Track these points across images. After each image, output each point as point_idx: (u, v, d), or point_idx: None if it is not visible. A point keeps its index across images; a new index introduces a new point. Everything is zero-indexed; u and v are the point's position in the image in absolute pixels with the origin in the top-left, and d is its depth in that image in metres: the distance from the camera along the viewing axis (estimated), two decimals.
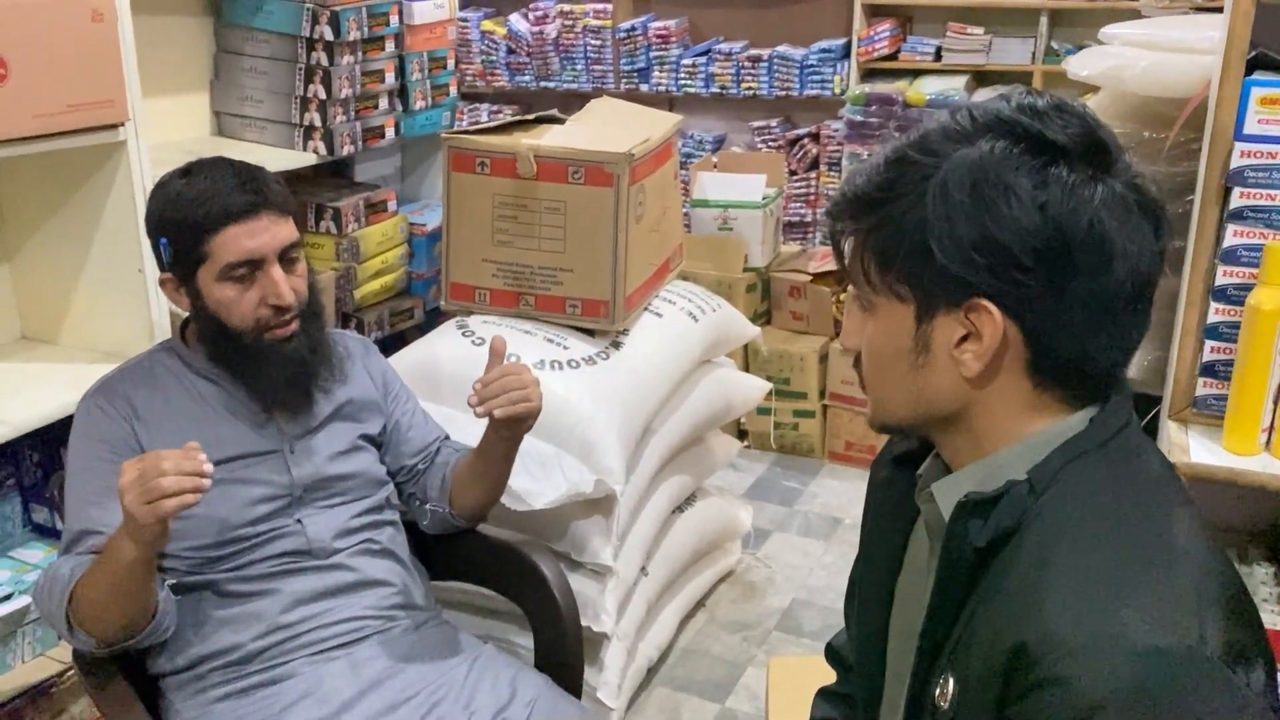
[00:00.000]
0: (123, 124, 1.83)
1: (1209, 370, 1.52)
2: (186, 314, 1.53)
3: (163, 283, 1.50)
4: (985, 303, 0.80)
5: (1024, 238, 0.77)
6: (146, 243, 1.88)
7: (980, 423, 0.85)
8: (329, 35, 2.38)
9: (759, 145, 4.50)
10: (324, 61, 2.41)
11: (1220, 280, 1.48)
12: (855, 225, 0.86)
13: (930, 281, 0.81)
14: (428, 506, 1.68)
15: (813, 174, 4.44)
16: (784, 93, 4.39)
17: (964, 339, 0.82)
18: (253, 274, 1.44)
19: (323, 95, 2.43)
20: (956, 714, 0.81)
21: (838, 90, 4.28)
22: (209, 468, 1.24)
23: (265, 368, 1.47)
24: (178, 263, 1.46)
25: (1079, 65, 1.92)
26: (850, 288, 0.90)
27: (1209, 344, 1.51)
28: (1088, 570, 0.75)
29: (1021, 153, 0.79)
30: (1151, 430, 1.72)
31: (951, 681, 0.82)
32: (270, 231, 1.44)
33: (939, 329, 0.83)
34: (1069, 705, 0.71)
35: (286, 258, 1.47)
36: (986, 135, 0.80)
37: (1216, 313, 1.50)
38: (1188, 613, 0.73)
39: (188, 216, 1.42)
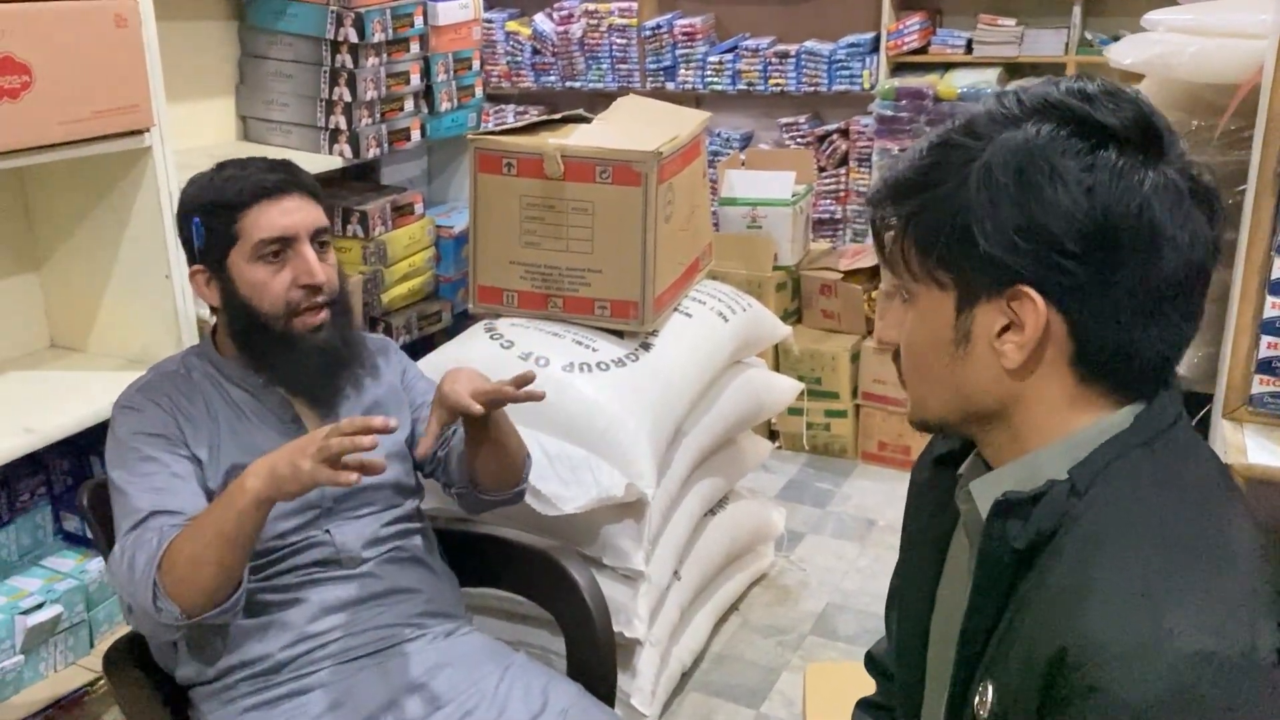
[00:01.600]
0: (148, 129, 1.82)
1: (1266, 367, 1.47)
2: (213, 314, 1.52)
3: (193, 276, 1.50)
4: (1028, 290, 0.77)
5: (1070, 222, 0.75)
6: (174, 248, 1.89)
7: (1021, 419, 0.82)
8: (353, 37, 2.37)
9: (787, 142, 4.45)
10: (349, 64, 2.40)
11: (1277, 273, 1.43)
12: (896, 211, 0.84)
13: (972, 268, 0.79)
14: (453, 490, 1.65)
15: (842, 170, 4.38)
16: (812, 88, 4.34)
17: (1006, 329, 0.79)
18: (284, 253, 1.45)
19: (348, 98, 2.41)
20: None
21: (867, 85, 4.23)
22: (394, 422, 1.27)
23: (295, 356, 1.46)
24: (210, 247, 1.46)
25: (1122, 53, 1.86)
26: (888, 279, 0.87)
27: (1265, 339, 1.46)
28: (1131, 573, 0.72)
29: (1069, 135, 0.76)
30: (1201, 430, 1.66)
31: (991, 689, 0.79)
32: (302, 211, 1.46)
33: (980, 318, 0.80)
34: (1110, 714, 0.68)
35: (317, 241, 1.48)
36: (1034, 118, 0.77)
37: (1273, 307, 1.44)
38: (1238, 617, 0.69)
39: (220, 195, 1.45)
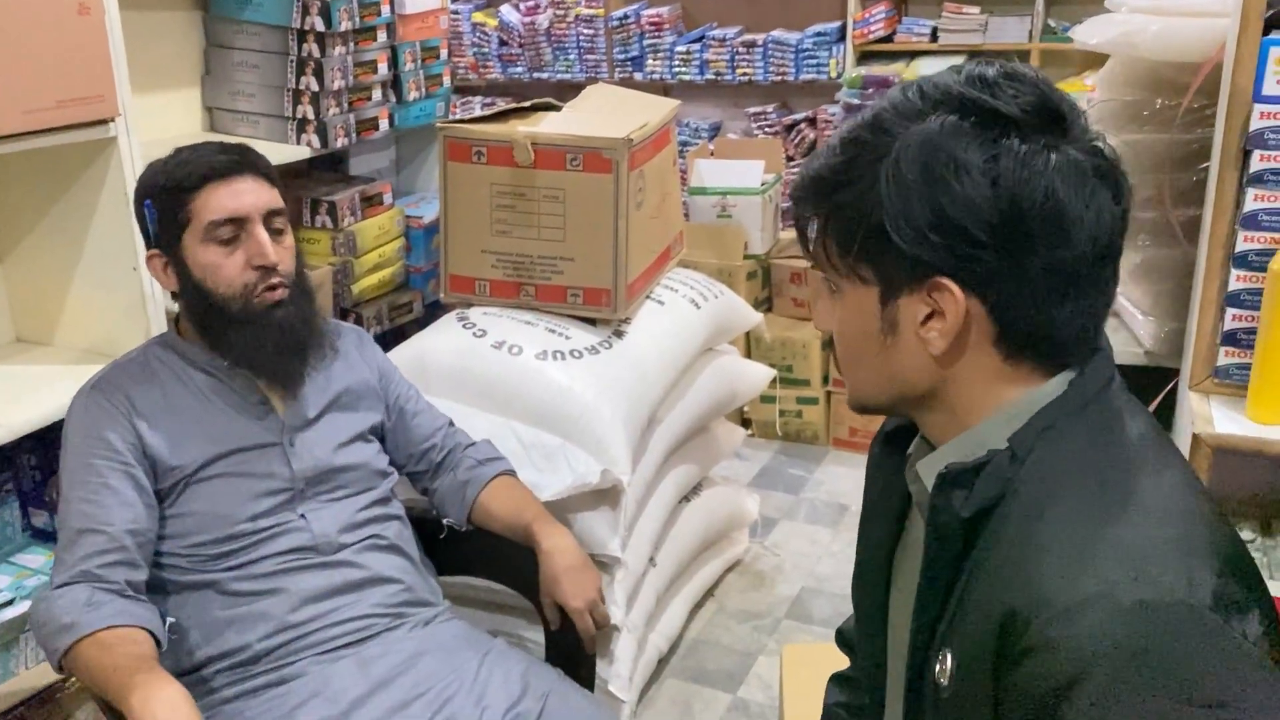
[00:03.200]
0: (113, 120, 1.79)
1: (1231, 339, 1.50)
2: (174, 298, 1.51)
3: (150, 260, 1.49)
4: (946, 281, 0.79)
5: (978, 214, 0.76)
6: (140, 241, 1.87)
7: (956, 398, 0.84)
8: (320, 26, 2.35)
9: (756, 131, 4.47)
10: (315, 53, 2.38)
11: (1241, 246, 1.46)
12: (815, 210, 0.86)
13: (890, 263, 0.81)
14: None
15: None
16: (780, 78, 4.36)
17: (929, 317, 0.81)
18: (237, 235, 1.44)
19: (315, 88, 2.39)
20: (957, 690, 0.80)
21: (834, 74, 4.25)
22: None
23: (254, 334, 1.46)
24: (163, 230, 1.45)
25: (1087, 33, 1.88)
26: (818, 271, 0.89)
27: (1230, 312, 1.49)
28: (1072, 532, 0.74)
29: (972, 126, 0.78)
30: (1170, 403, 1.69)
31: (950, 658, 0.81)
32: (254, 193, 1.45)
33: (904, 309, 0.82)
34: (1060, 668, 0.69)
35: (272, 226, 1.47)
36: (937, 110, 0.79)
37: (1238, 280, 1.47)
38: (1174, 565, 0.71)
39: (171, 178, 1.44)
